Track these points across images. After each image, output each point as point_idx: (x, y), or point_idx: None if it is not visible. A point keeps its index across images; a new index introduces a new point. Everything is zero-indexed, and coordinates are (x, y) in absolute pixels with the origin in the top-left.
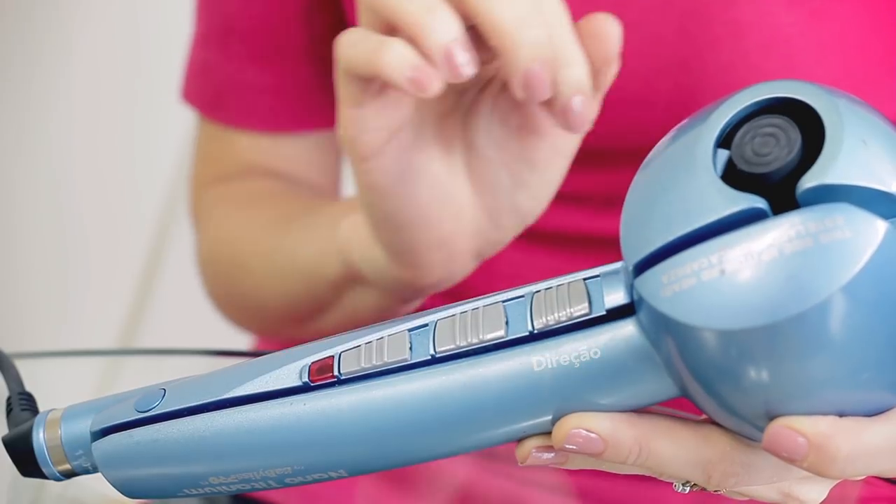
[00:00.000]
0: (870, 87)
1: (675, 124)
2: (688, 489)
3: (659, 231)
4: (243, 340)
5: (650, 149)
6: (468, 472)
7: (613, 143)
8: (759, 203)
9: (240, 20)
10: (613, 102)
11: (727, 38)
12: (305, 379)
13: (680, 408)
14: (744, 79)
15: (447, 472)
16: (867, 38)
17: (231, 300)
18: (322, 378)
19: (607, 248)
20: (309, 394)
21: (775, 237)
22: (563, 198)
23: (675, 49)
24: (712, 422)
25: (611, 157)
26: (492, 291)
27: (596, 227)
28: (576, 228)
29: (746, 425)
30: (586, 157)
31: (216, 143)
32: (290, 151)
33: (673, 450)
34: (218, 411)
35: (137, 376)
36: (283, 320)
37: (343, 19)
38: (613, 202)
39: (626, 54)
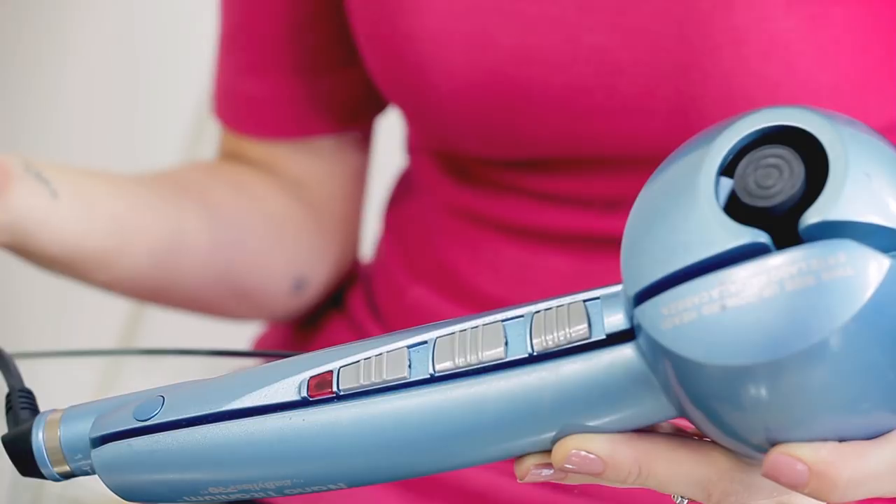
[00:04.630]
0: (870, 91)
1: (677, 131)
2: (685, 500)
3: (660, 262)
4: (243, 340)
5: (652, 155)
6: (469, 470)
7: (616, 150)
8: (762, 237)
9: (238, 32)
10: (614, 111)
11: (727, 45)
12: (304, 394)
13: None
14: (744, 85)
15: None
16: (867, 42)
17: None
18: (321, 393)
19: (610, 247)
20: (308, 409)
21: (777, 273)
22: (568, 201)
23: (674, 56)
24: (712, 440)
25: (613, 163)
26: (498, 291)
27: (599, 227)
28: (580, 229)
29: (746, 448)
30: (589, 164)
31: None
32: (286, 156)
33: (672, 469)
34: (216, 423)
35: (137, 376)
36: None
37: (344, 28)
38: (616, 204)
39: (626, 62)
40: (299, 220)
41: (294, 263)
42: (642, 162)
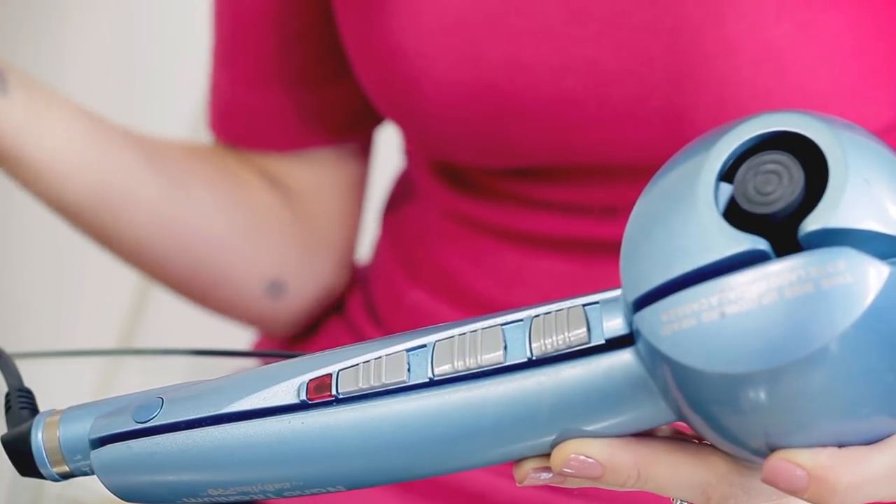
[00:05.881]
0: (862, 98)
1: (670, 140)
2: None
3: (659, 268)
4: (243, 341)
5: (647, 163)
6: (468, 472)
7: (610, 159)
8: (761, 244)
9: (228, 45)
10: (607, 121)
11: (718, 54)
12: (303, 397)
13: None
14: (736, 93)
15: None
16: (859, 50)
17: None
18: (320, 396)
19: (609, 251)
20: (307, 412)
21: (776, 281)
22: (564, 208)
23: (666, 66)
24: (711, 444)
25: (608, 171)
26: (497, 294)
27: (597, 233)
28: (577, 234)
29: (745, 453)
30: (584, 172)
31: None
32: (281, 167)
33: (671, 473)
34: (216, 426)
35: (137, 376)
36: None
37: (336, 41)
38: (613, 211)
39: (617, 73)
40: (285, 221)
41: (272, 264)
42: (638, 170)
